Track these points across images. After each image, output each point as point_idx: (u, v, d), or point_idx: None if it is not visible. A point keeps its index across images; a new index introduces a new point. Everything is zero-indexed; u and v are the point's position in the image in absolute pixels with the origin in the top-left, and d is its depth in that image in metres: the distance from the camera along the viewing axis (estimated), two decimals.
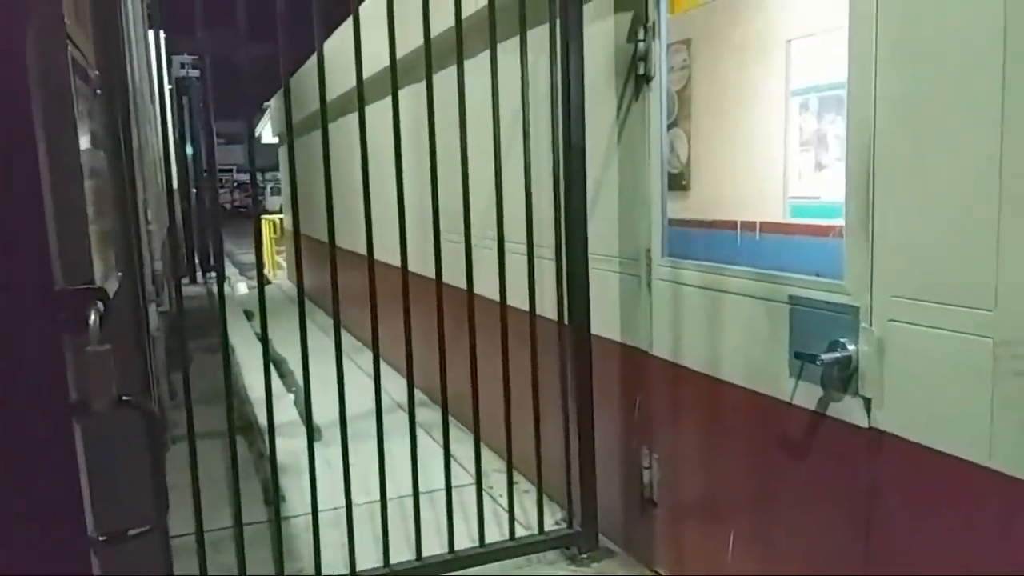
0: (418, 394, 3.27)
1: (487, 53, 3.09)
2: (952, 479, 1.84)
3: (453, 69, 3.08)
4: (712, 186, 2.70)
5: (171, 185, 4.09)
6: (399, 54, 2.99)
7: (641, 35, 2.95)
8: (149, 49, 5.72)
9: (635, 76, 3.00)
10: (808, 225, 2.72)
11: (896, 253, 1.95)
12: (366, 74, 2.94)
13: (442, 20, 3.05)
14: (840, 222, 2.13)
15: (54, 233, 0.84)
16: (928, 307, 1.87)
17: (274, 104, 14.32)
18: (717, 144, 2.65)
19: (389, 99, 3.04)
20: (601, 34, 3.14)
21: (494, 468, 4.07)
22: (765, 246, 2.49)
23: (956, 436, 1.82)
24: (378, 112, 3.28)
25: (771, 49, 2.38)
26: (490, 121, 3.10)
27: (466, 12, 3.08)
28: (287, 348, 3.73)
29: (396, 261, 3.07)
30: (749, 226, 3.18)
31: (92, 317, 0.80)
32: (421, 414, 3.29)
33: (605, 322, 3.26)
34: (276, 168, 17.77)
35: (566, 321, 3.30)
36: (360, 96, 2.94)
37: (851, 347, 2.08)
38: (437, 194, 3.07)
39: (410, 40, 3.10)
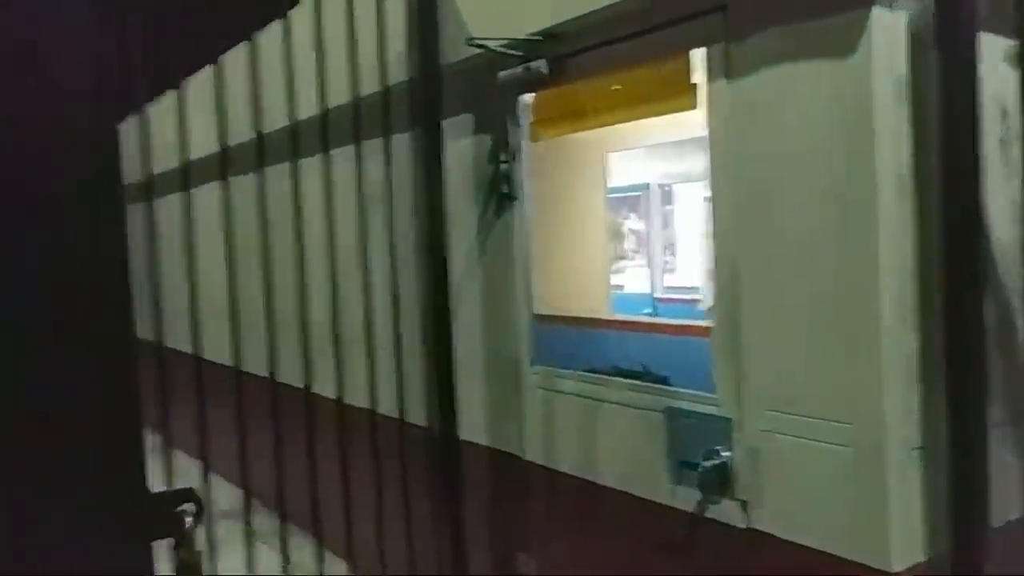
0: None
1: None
2: (819, 570, 2.10)
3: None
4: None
5: None
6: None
7: (503, 157, 3.13)
8: None
9: (498, 194, 3.17)
10: None
11: (764, 369, 2.23)
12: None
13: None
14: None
15: None
16: (795, 419, 2.15)
17: None
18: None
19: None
20: (463, 149, 3.28)
21: None
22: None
23: (822, 534, 2.09)
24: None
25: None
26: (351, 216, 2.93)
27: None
28: None
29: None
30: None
31: None
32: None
33: (475, 427, 3.30)
34: None
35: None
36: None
37: (726, 454, 2.32)
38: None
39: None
